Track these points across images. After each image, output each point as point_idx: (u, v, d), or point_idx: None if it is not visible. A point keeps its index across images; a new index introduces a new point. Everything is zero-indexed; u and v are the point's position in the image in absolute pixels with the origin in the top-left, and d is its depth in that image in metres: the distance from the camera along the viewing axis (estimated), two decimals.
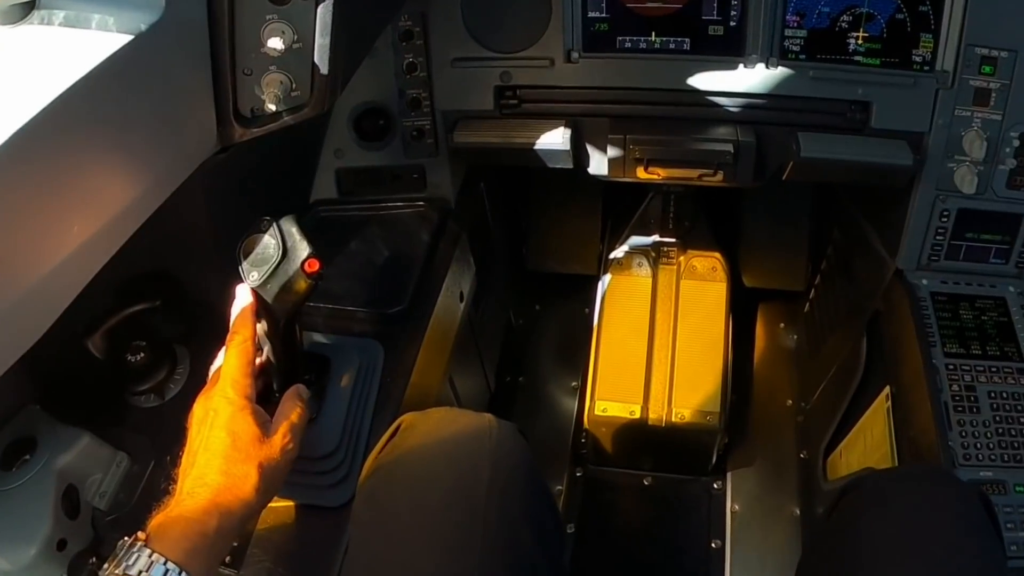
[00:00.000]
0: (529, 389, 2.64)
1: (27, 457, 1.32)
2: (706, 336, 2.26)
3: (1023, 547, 1.46)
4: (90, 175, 1.00)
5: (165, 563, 0.96)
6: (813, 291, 2.56)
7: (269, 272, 1.20)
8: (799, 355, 2.60)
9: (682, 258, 2.38)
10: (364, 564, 1.15)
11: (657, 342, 2.26)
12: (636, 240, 2.43)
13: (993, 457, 1.57)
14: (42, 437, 1.34)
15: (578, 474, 2.39)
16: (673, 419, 2.14)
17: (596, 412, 2.17)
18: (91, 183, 1.00)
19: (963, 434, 1.60)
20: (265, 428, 1.16)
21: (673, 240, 2.40)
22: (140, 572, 0.95)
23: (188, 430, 1.17)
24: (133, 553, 0.97)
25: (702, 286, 2.33)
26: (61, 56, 0.97)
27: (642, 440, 2.23)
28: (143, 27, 1.03)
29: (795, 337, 2.66)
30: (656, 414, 2.15)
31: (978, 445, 1.59)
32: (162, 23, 1.05)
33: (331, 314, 1.65)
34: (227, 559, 1.30)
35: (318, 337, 1.56)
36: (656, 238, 2.41)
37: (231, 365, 1.19)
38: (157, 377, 1.50)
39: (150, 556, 0.97)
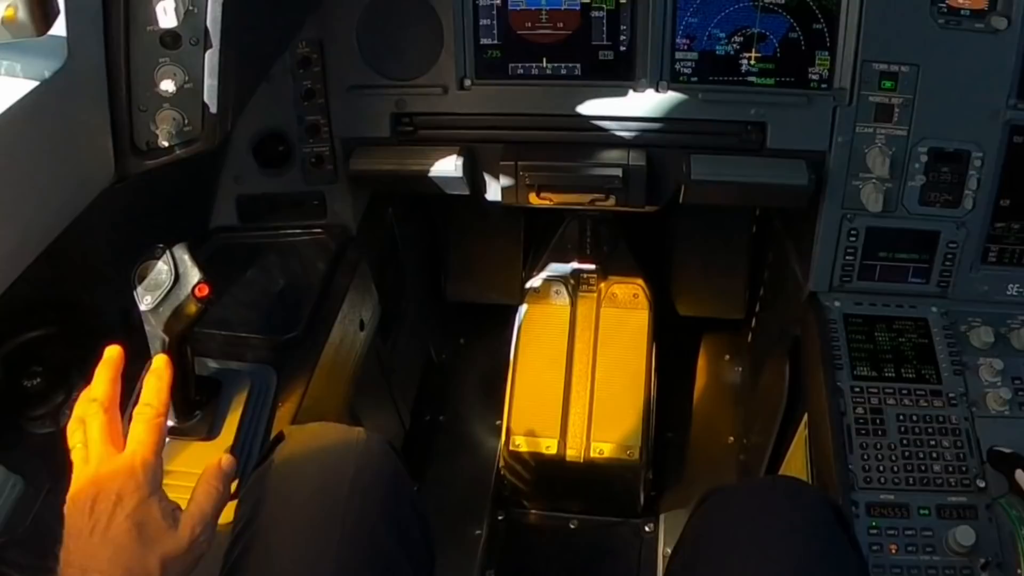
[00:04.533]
0: (450, 428, 3.00)
1: None
2: (627, 367, 2.62)
3: (925, 571, 1.72)
4: None
5: None
6: (755, 319, 2.92)
7: (162, 297, 1.57)
8: (744, 388, 2.96)
9: (603, 285, 2.74)
10: (240, 560, 1.47)
11: (576, 374, 2.62)
12: (554, 267, 2.79)
13: (897, 480, 1.84)
14: None
15: (500, 517, 2.74)
16: (592, 455, 2.50)
17: (511, 448, 2.53)
18: None
19: (865, 457, 1.87)
20: (170, 517, 1.31)
21: (593, 266, 2.77)
22: None
23: (72, 464, 1.35)
24: None
25: (623, 314, 2.70)
26: None
27: (563, 478, 2.58)
28: (47, 74, 1.44)
29: (740, 369, 3.03)
30: (574, 450, 2.51)
31: (881, 468, 1.85)
32: (64, 70, 1.46)
33: (226, 341, 1.99)
34: None
35: (212, 363, 1.93)
36: (575, 264, 2.78)
37: (141, 441, 1.35)
38: (53, 402, 1.81)
39: None
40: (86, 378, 1.84)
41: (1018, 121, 2.02)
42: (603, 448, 2.51)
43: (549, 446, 2.52)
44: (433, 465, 2.92)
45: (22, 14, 1.27)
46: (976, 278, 2.17)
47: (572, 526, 2.72)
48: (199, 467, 1.62)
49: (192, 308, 1.59)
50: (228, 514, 1.56)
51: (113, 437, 1.36)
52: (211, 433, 1.75)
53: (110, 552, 1.23)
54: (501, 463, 2.61)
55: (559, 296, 2.74)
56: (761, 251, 2.88)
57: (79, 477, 1.33)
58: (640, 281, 2.74)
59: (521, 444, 2.53)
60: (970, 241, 2.13)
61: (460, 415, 3.05)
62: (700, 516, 1.63)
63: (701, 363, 3.14)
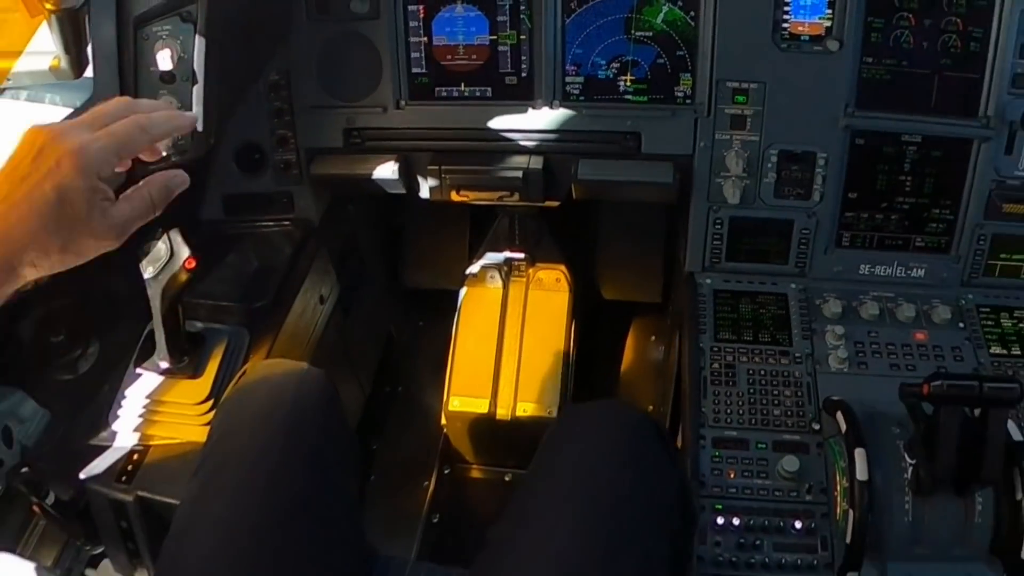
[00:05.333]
0: (406, 397, 3.45)
1: None
2: (550, 341, 3.05)
3: (757, 492, 2.06)
4: None
5: None
6: (670, 302, 3.31)
7: (160, 268, 2.01)
8: (663, 363, 3.33)
9: (530, 271, 3.17)
10: (207, 460, 1.81)
11: (506, 346, 3.05)
12: (490, 256, 3.23)
13: (741, 421, 2.19)
14: None
15: (446, 471, 3.20)
16: (518, 413, 2.94)
17: (449, 407, 2.98)
18: None
19: (716, 401, 2.23)
20: (99, 211, 1.29)
21: (522, 255, 3.20)
22: None
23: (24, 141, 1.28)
24: None
25: (547, 296, 3.13)
26: (22, 120, 1.93)
27: (495, 435, 3.01)
28: (78, 103, 2.01)
29: (663, 348, 3.41)
30: (503, 408, 2.95)
31: (729, 411, 2.21)
32: (91, 100, 2.02)
33: (210, 308, 2.40)
34: (122, 478, 2.06)
35: (198, 324, 2.35)
36: (507, 253, 3.22)
37: (116, 135, 1.32)
38: (72, 355, 2.29)
39: None
40: (100, 337, 2.34)
41: (857, 126, 2.39)
42: (527, 407, 2.92)
43: (481, 405, 2.94)
44: (390, 428, 3.35)
45: (64, 64, 1.81)
46: (831, 260, 2.52)
47: (507, 479, 3.16)
48: (186, 399, 2.15)
49: (183, 277, 2.02)
50: (202, 432, 2.01)
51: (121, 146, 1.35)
52: (196, 373, 2.21)
53: (28, 217, 1.24)
54: (443, 421, 3.01)
55: (493, 280, 3.15)
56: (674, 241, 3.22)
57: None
58: (563, 268, 3.16)
59: (458, 404, 2.96)
60: (822, 228, 2.48)
61: (416, 387, 3.47)
62: (551, 427, 2.03)
63: (630, 342, 3.56)
